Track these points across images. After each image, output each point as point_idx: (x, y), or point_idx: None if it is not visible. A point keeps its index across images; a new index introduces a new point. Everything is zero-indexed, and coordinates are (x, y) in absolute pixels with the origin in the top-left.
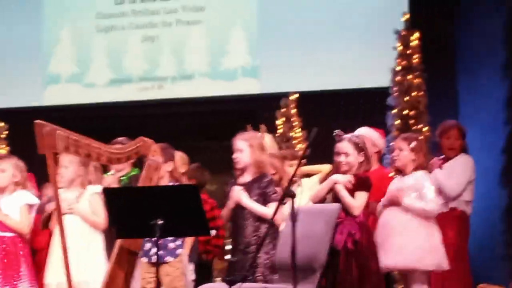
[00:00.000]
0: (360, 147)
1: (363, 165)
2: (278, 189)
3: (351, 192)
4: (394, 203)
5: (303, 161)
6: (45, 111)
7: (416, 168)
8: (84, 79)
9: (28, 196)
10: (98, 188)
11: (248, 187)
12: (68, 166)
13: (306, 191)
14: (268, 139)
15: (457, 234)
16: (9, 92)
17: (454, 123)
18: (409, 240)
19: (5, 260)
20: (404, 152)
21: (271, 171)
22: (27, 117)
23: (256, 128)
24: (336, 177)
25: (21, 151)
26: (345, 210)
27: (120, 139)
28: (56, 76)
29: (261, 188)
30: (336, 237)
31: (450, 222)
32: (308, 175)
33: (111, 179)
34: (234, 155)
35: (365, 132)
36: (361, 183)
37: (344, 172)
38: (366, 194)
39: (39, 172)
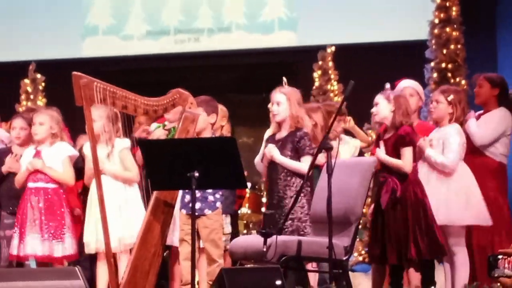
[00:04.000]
0: (390, 99)
1: (396, 115)
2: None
3: (395, 151)
4: (420, 152)
5: (349, 117)
6: (82, 63)
7: (451, 121)
8: (121, 31)
9: (69, 149)
10: (127, 142)
11: (283, 142)
12: (97, 120)
13: (347, 148)
14: None
15: (495, 186)
16: (47, 44)
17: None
18: (440, 196)
19: (50, 211)
20: (440, 105)
21: (310, 125)
22: (64, 69)
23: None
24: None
25: (58, 103)
26: (388, 169)
27: None
28: (94, 28)
29: (294, 142)
30: (381, 196)
31: (488, 174)
32: (353, 135)
33: (160, 131)
34: (273, 107)
35: (410, 84)
36: (401, 141)
37: (381, 125)
38: (411, 149)
39: (75, 124)
